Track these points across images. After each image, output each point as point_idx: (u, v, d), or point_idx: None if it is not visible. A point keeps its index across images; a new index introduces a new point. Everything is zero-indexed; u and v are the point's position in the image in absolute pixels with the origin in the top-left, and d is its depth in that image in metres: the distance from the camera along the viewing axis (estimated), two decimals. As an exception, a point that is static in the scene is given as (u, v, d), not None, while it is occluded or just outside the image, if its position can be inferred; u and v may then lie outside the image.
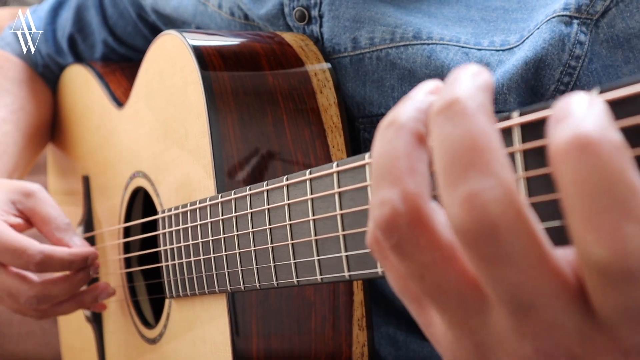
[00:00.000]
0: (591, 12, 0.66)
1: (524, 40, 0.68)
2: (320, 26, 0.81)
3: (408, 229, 0.34)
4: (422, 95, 0.36)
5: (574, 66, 0.66)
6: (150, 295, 0.99)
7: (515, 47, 0.69)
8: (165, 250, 0.82)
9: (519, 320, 0.33)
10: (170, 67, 0.83)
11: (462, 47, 0.71)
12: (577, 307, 0.32)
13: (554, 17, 0.66)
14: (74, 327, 1.17)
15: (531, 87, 0.67)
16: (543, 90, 0.67)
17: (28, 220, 0.92)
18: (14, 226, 0.88)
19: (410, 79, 0.74)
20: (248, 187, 0.64)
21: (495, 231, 0.31)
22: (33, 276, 0.87)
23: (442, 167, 0.32)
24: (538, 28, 0.67)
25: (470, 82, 0.33)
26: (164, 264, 0.83)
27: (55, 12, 1.18)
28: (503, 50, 0.69)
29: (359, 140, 0.81)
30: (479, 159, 0.31)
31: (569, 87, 0.67)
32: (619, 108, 0.32)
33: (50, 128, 1.20)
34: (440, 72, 0.72)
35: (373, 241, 0.37)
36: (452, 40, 0.72)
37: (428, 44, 0.73)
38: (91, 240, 1.07)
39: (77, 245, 0.90)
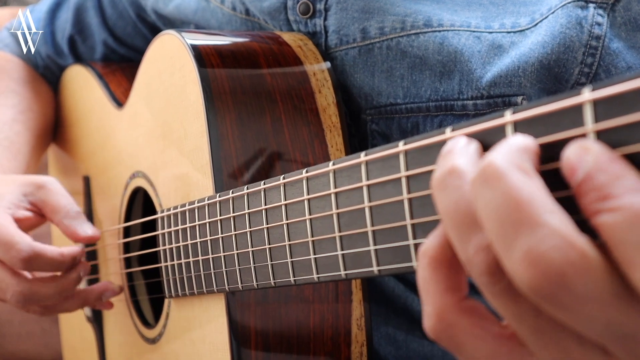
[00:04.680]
0: None
1: (537, 24, 0.69)
2: (325, 19, 0.81)
3: None
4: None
5: (595, 46, 0.66)
6: (150, 295, 0.99)
7: (527, 29, 0.69)
8: (164, 250, 0.82)
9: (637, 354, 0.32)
10: (169, 67, 0.83)
11: (474, 31, 0.72)
12: None
13: (569, 2, 0.67)
14: (75, 327, 1.18)
15: (554, 75, 0.67)
16: (567, 76, 0.67)
17: (40, 212, 0.92)
18: (22, 220, 0.88)
19: (421, 66, 0.74)
20: (245, 187, 0.64)
21: (565, 278, 0.30)
22: (24, 273, 0.87)
23: (494, 233, 0.32)
24: (552, 12, 0.68)
25: (502, 146, 0.34)
26: (163, 263, 0.83)
27: (53, 13, 1.18)
28: (514, 32, 0.70)
29: (365, 133, 0.81)
30: (525, 215, 0.31)
31: (593, 68, 0.67)
32: (610, 106, 0.32)
33: (54, 128, 1.21)
34: (453, 58, 0.72)
35: (448, 315, 0.37)
36: (462, 26, 0.72)
37: (439, 31, 0.73)
38: (91, 241, 1.07)
39: (86, 233, 0.89)
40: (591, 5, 0.66)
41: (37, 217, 0.91)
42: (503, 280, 0.33)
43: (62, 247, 0.86)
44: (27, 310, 0.91)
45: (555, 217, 0.31)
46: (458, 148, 0.37)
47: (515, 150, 0.34)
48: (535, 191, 0.32)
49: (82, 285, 0.98)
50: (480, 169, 0.33)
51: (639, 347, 0.32)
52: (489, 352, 0.36)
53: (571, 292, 0.30)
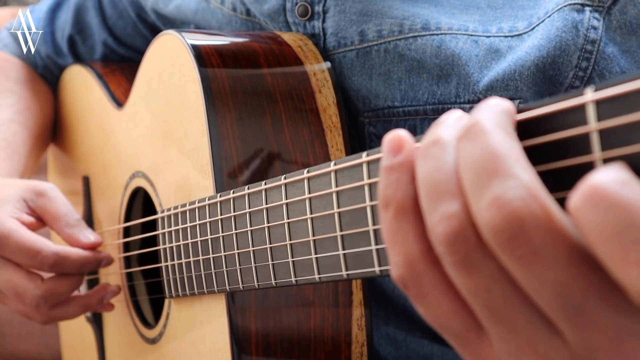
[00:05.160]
0: (603, 0, 0.66)
1: (534, 28, 0.69)
2: (324, 21, 0.81)
3: (477, 239, 0.35)
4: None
5: (590, 50, 0.66)
6: (150, 295, 0.99)
7: (524, 33, 0.69)
8: (165, 250, 0.82)
9: (582, 330, 0.33)
10: (169, 67, 0.83)
11: (471, 35, 0.72)
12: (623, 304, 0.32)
13: (565, 6, 0.67)
14: (74, 327, 1.17)
15: (549, 77, 0.68)
16: (562, 79, 0.67)
17: (40, 219, 0.92)
18: (27, 225, 0.88)
19: (418, 70, 0.74)
20: (246, 187, 0.64)
21: (523, 226, 0.32)
22: (41, 274, 0.87)
23: (469, 182, 0.34)
24: (549, 16, 0.68)
25: (487, 108, 0.36)
26: (163, 263, 0.83)
27: (53, 13, 1.18)
28: (512, 37, 0.70)
29: (363, 135, 0.81)
30: (499, 166, 0.33)
31: (587, 72, 0.67)
32: (611, 106, 0.32)
33: (53, 128, 1.21)
34: (450, 61, 0.72)
35: (417, 264, 0.38)
36: (460, 29, 0.72)
37: (437, 34, 0.73)
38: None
39: (89, 239, 0.90)
40: (587, 9, 0.66)
41: (37, 222, 0.92)
42: (460, 252, 0.35)
43: (85, 243, 0.88)
44: (30, 318, 0.91)
45: (526, 173, 0.33)
46: (449, 120, 0.38)
47: (499, 112, 0.36)
48: (512, 148, 0.34)
49: (82, 287, 0.98)
50: (467, 127, 0.36)
51: (587, 325, 0.32)
52: (449, 310, 0.38)
53: (527, 242, 0.32)
